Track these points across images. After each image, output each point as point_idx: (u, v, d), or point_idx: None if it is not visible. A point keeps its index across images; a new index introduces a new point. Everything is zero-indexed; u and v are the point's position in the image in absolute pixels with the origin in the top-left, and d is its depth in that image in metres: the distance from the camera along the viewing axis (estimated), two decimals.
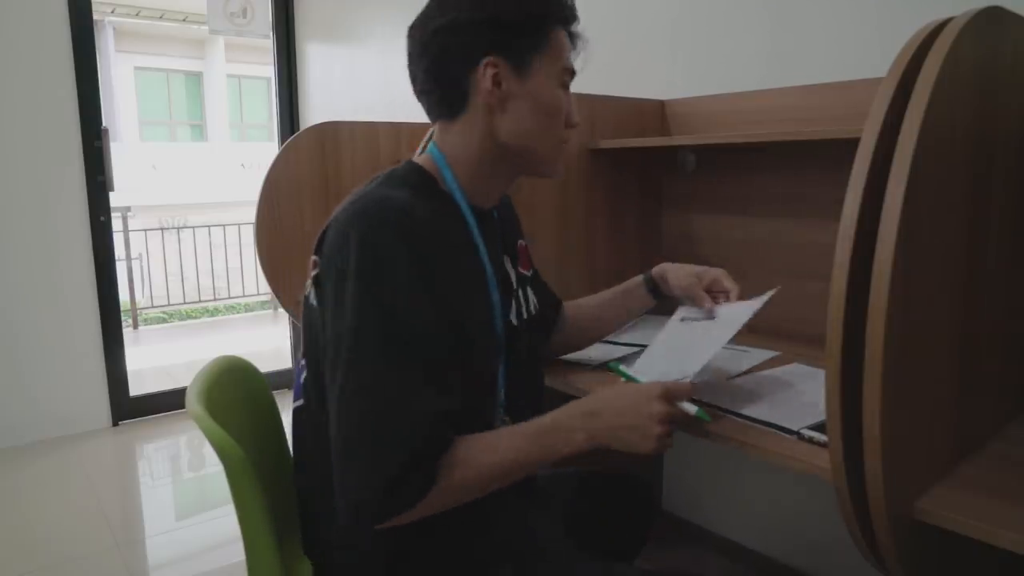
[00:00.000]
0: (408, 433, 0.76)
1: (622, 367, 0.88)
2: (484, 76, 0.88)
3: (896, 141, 0.68)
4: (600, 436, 0.83)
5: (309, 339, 0.89)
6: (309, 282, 0.88)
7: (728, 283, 1.13)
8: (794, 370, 1.23)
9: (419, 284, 0.81)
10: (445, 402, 0.79)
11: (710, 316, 1.10)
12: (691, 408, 0.82)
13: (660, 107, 1.76)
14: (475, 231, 0.92)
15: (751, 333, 1.50)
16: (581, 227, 1.64)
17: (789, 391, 1.11)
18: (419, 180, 0.91)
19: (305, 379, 0.91)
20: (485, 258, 0.93)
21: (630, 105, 1.69)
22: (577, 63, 0.96)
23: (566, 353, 1.27)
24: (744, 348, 1.37)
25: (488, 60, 0.88)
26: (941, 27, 0.73)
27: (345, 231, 0.81)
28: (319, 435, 0.85)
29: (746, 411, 1.01)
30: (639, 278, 1.21)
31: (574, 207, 1.62)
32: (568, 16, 0.93)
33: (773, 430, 0.95)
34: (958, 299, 0.79)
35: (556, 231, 1.59)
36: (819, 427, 0.91)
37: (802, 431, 0.92)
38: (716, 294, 1.14)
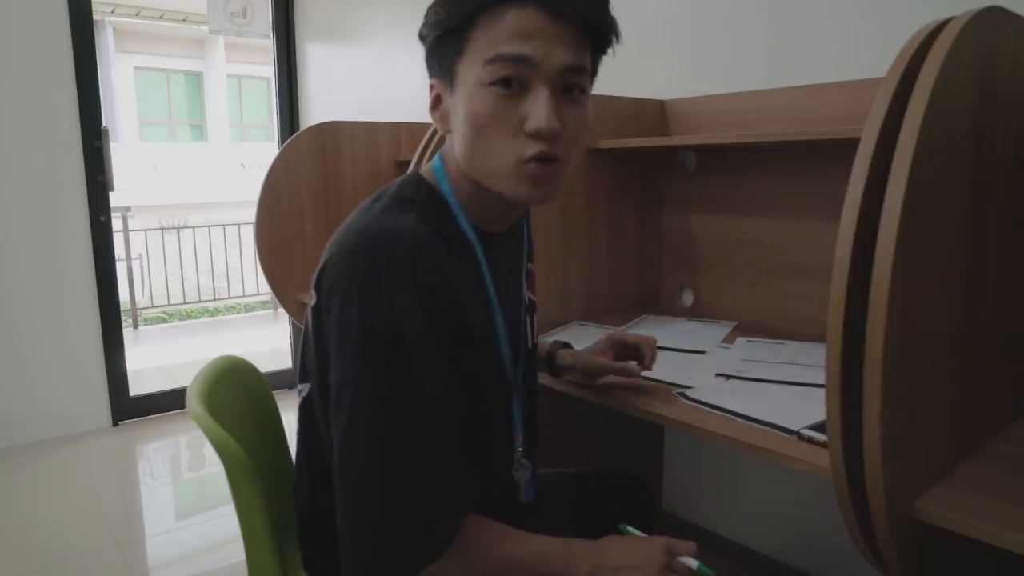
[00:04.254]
0: (415, 509, 0.74)
1: (629, 528, 0.90)
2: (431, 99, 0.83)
3: (896, 141, 0.68)
4: (603, 573, 0.78)
5: (306, 361, 0.85)
6: (308, 308, 0.82)
7: (632, 339, 1.09)
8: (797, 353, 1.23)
9: (428, 335, 0.74)
10: (451, 478, 0.76)
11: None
12: (692, 563, 0.83)
13: (660, 107, 1.76)
14: (482, 259, 0.86)
15: (751, 333, 1.51)
16: (581, 227, 1.64)
17: (789, 391, 1.11)
18: (426, 199, 0.84)
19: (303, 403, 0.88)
20: (492, 291, 0.87)
21: (630, 105, 1.69)
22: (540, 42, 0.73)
23: None
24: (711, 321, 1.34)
25: (431, 81, 0.83)
26: (941, 27, 0.73)
27: (346, 269, 0.75)
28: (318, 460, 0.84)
29: (746, 411, 1.01)
30: (547, 345, 1.17)
31: (574, 207, 1.62)
32: None
33: (773, 430, 0.95)
34: (958, 299, 0.79)
35: (557, 231, 1.59)
36: (819, 427, 0.91)
37: (802, 431, 0.92)
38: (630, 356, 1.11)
